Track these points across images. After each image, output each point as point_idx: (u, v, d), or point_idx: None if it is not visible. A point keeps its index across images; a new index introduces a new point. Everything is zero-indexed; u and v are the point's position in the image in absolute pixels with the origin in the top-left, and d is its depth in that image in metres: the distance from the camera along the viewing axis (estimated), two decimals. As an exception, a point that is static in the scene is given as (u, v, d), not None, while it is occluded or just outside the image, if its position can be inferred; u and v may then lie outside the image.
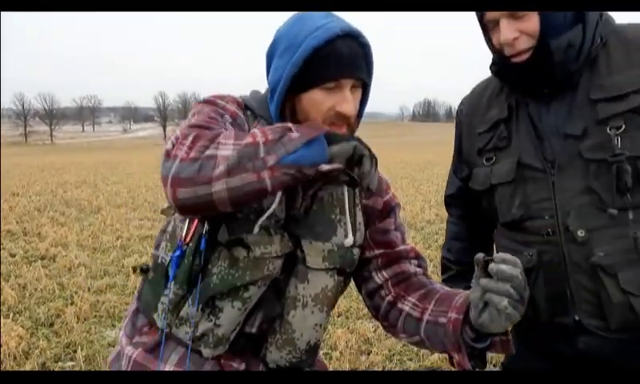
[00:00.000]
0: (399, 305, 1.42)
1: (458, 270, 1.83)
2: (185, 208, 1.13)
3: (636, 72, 1.41)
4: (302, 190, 1.34)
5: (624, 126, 1.38)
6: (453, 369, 1.32)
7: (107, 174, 18.06)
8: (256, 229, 1.26)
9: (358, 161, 1.21)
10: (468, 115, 1.72)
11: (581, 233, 1.40)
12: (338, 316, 4.34)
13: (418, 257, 1.51)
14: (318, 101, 1.28)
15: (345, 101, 1.28)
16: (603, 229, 1.40)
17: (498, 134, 1.57)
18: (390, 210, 1.51)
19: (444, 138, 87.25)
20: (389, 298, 1.44)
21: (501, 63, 1.53)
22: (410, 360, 3.67)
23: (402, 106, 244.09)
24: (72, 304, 4.70)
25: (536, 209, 1.48)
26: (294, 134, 1.13)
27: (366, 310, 3.67)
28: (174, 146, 1.15)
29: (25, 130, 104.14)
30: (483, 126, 1.63)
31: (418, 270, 1.48)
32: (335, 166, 1.20)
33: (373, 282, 1.47)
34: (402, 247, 1.49)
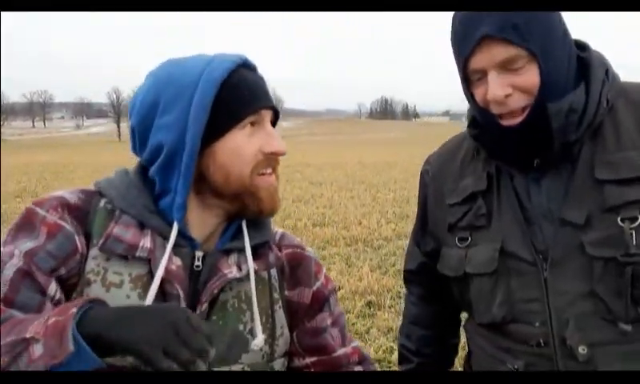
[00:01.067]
0: None
1: (419, 363, 1.54)
2: None
3: None
4: (191, 294, 1.06)
5: None
6: None
7: (51, 180, 17.12)
8: None
9: None
10: (436, 179, 1.42)
11: (582, 350, 1.12)
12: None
13: (362, 361, 1.25)
14: (241, 146, 1.05)
15: (272, 137, 1.08)
16: (611, 345, 1.12)
17: (475, 209, 1.29)
18: (322, 302, 1.22)
19: (401, 136, 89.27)
20: None
21: (486, 124, 1.22)
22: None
23: (359, 103, 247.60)
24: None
25: (523, 311, 1.20)
26: (36, 351, 0.84)
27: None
28: None
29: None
30: (455, 197, 1.34)
31: None
32: None
33: None
34: (340, 351, 1.22)
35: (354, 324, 4.63)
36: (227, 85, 1.04)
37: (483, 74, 1.14)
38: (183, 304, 1.02)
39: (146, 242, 1.04)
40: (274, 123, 1.14)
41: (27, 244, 1.00)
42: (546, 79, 1.11)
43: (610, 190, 1.13)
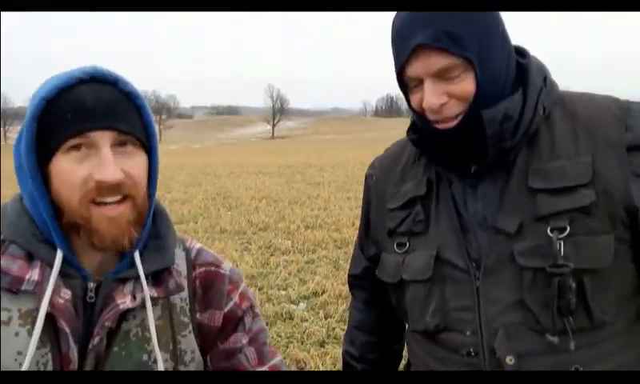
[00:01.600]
0: None
1: (362, 370, 1.52)
2: None
3: (584, 159, 1.13)
4: (86, 327, 1.01)
5: (568, 229, 1.10)
6: None
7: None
8: None
9: None
10: (378, 183, 1.42)
11: (510, 360, 1.12)
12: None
13: None
14: (66, 171, 0.97)
15: (102, 164, 0.96)
16: (538, 356, 1.12)
17: (414, 215, 1.28)
18: (236, 322, 1.17)
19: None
20: None
21: (423, 128, 1.22)
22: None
23: (364, 101, 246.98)
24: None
25: (455, 319, 1.19)
26: None
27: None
28: None
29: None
30: (396, 202, 1.33)
31: None
32: None
33: None
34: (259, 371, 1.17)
35: (334, 328, 4.62)
36: (52, 105, 0.98)
37: (419, 81, 1.14)
38: (70, 340, 0.98)
39: (34, 274, 0.99)
40: (147, 147, 1.05)
41: None
42: (482, 87, 1.11)
43: (542, 199, 1.12)
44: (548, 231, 1.11)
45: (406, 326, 1.45)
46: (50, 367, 0.98)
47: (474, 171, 1.20)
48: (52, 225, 1.00)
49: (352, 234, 8.30)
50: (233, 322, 1.17)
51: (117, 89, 1.01)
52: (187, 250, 1.18)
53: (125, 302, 1.02)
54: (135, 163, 1.01)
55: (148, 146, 1.05)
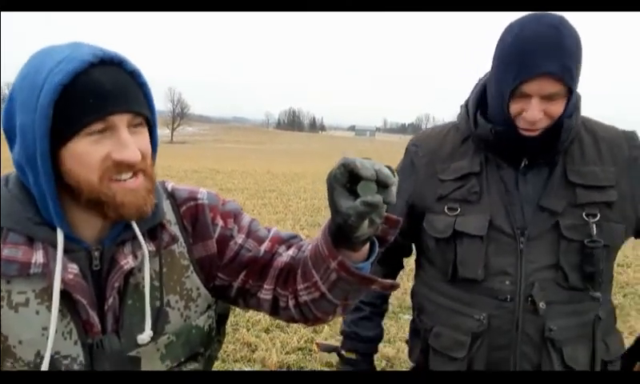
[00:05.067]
0: (300, 300, 1.17)
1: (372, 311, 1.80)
2: None
3: (610, 168, 1.52)
4: (98, 294, 1.08)
5: (599, 215, 1.48)
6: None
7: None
8: None
9: None
10: (426, 156, 1.67)
11: (542, 305, 1.46)
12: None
13: (283, 242, 1.24)
14: (85, 153, 0.98)
15: (123, 145, 0.99)
16: (562, 304, 1.48)
17: (469, 187, 1.57)
18: (228, 238, 1.22)
19: (308, 148, 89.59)
20: (291, 302, 1.18)
21: (506, 129, 1.49)
22: None
23: (267, 113, 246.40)
24: None
25: (497, 272, 1.51)
26: None
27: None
28: None
29: None
30: (449, 175, 1.61)
31: (293, 252, 1.22)
32: None
33: (265, 303, 1.21)
34: (262, 251, 1.22)
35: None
36: (69, 90, 0.96)
37: (528, 96, 1.41)
38: (88, 307, 1.05)
39: (39, 256, 1.03)
40: (152, 122, 1.09)
41: None
42: (567, 109, 1.43)
43: (580, 191, 1.49)
44: (583, 215, 1.48)
45: (418, 287, 1.71)
46: (75, 335, 1.04)
47: (524, 164, 1.53)
48: (54, 207, 1.02)
49: (275, 237, 8.55)
50: (225, 240, 1.22)
51: (123, 69, 1.02)
52: (168, 193, 1.22)
53: (127, 262, 1.08)
54: (145, 141, 1.06)
55: (150, 117, 1.08)
